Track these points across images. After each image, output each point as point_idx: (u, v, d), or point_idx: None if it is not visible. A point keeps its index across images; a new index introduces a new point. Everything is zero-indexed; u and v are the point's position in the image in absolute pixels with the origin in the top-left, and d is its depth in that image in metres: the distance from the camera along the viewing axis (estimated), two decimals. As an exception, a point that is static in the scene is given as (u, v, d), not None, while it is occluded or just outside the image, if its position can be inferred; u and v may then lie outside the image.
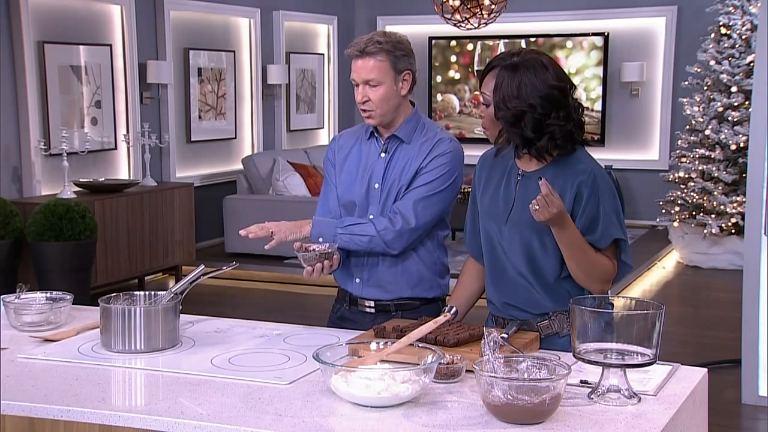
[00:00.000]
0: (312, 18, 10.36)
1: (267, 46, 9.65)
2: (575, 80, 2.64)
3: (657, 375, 2.26)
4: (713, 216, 8.40)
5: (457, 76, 10.87)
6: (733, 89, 8.35)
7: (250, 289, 7.76)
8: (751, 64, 7.98)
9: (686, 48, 9.63)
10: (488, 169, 2.73)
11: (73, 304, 2.84)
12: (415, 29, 10.75)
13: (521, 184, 2.61)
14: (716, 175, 8.36)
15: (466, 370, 2.24)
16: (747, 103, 8.17)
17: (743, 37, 8.39)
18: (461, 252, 2.94)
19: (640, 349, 2.10)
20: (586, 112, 2.64)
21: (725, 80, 8.37)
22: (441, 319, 2.43)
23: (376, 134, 2.97)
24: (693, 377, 2.30)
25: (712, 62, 8.47)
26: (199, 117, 8.84)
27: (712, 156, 8.44)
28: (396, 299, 2.95)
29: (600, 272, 2.56)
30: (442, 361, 2.16)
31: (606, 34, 10.15)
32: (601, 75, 10.20)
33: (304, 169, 8.83)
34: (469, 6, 7.82)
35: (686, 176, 8.64)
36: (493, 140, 2.68)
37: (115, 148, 7.82)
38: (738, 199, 8.19)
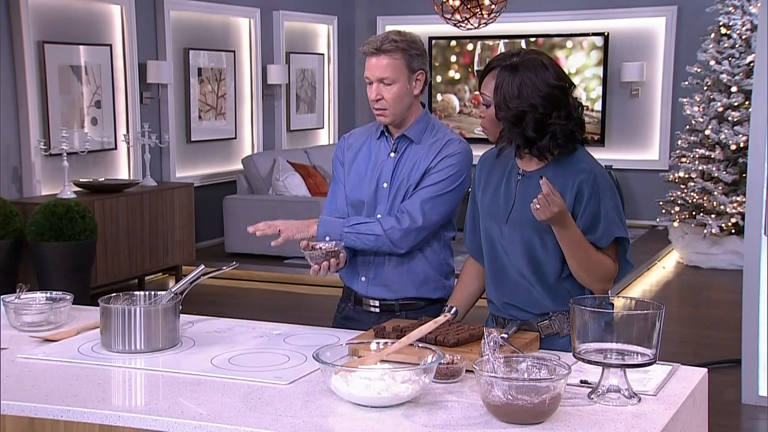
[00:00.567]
0: (312, 18, 10.36)
1: (267, 46, 9.65)
2: (575, 80, 2.64)
3: (657, 375, 2.26)
4: (713, 216, 8.40)
5: (457, 76, 10.87)
6: (733, 89, 8.35)
7: (250, 289, 7.76)
8: (751, 64, 7.99)
9: (686, 48, 9.63)
10: (488, 168, 2.73)
11: (73, 304, 2.84)
12: (415, 29, 10.63)
13: (521, 184, 2.62)
14: (716, 175, 8.36)
15: (466, 370, 2.24)
16: (747, 103, 8.17)
17: (743, 37, 8.39)
18: (462, 252, 2.94)
19: (640, 349, 2.10)
20: (586, 112, 2.65)
21: (725, 80, 8.37)
22: (441, 319, 2.43)
23: (386, 133, 2.98)
24: (693, 377, 2.30)
25: (712, 62, 8.47)
26: (199, 117, 8.84)
27: (712, 156, 8.44)
28: (401, 299, 2.95)
29: (601, 271, 2.56)
30: (442, 361, 2.16)
31: (606, 34, 10.15)
32: (601, 75, 10.20)
33: (304, 169, 8.84)
34: (469, 6, 7.82)
35: (686, 176, 8.65)
36: (494, 140, 2.68)
37: (115, 148, 7.83)
38: (738, 199, 8.19)
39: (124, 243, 7.09)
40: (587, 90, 10.16)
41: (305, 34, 10.37)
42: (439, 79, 10.93)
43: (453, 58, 10.86)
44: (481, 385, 1.99)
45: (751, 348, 4.90)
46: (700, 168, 8.51)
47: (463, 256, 2.92)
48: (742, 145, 8.15)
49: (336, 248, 2.79)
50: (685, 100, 8.78)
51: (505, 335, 2.42)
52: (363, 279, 2.98)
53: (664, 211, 8.89)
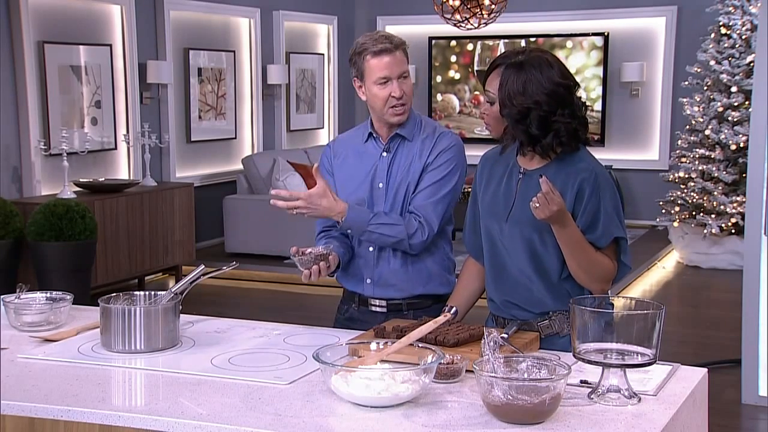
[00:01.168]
0: (312, 18, 10.36)
1: (267, 46, 9.65)
2: (575, 80, 2.65)
3: (657, 375, 2.26)
4: (713, 216, 8.40)
5: (457, 76, 10.86)
6: (733, 89, 8.35)
7: (250, 289, 7.76)
8: (751, 64, 7.99)
9: (686, 48, 9.63)
10: (490, 167, 2.73)
11: (73, 304, 2.84)
12: (415, 29, 10.75)
13: (522, 182, 2.62)
14: (716, 175, 8.36)
15: (466, 370, 2.24)
16: (747, 103, 8.17)
17: (743, 37, 8.39)
18: (461, 252, 2.94)
19: (640, 349, 2.09)
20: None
21: (725, 80, 8.37)
22: (441, 319, 2.43)
23: (374, 134, 2.97)
24: (693, 377, 2.30)
25: (712, 62, 8.47)
26: (199, 117, 8.84)
27: (712, 156, 8.44)
28: (408, 297, 2.95)
29: (600, 271, 2.56)
30: (442, 361, 2.16)
31: (606, 34, 10.15)
32: (601, 75, 10.20)
33: (304, 169, 8.83)
34: (469, 6, 7.82)
35: (686, 176, 8.64)
36: (498, 137, 2.69)
37: (115, 148, 7.83)
38: (738, 199, 8.19)
39: (124, 243, 7.09)
40: (587, 90, 10.16)
41: (305, 34, 10.37)
42: (439, 79, 10.93)
43: (453, 58, 10.86)
44: (481, 385, 1.99)
45: (751, 348, 4.90)
46: (700, 168, 8.51)
47: (463, 256, 2.92)
48: (742, 145, 8.15)
49: (325, 251, 2.78)
50: (685, 100, 8.78)
51: (505, 335, 2.42)
52: (368, 281, 2.97)
53: (664, 211, 8.89)
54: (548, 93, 2.51)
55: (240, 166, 9.03)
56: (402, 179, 2.91)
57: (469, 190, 2.88)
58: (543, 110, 2.51)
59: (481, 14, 7.83)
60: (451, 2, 7.86)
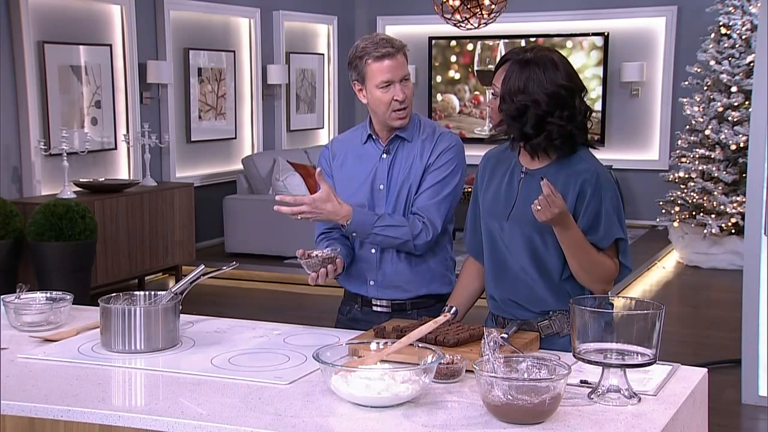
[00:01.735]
0: (312, 18, 10.36)
1: (267, 46, 9.65)
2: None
3: (657, 375, 2.26)
4: (713, 216, 8.40)
5: (457, 76, 10.86)
6: (733, 89, 8.35)
7: (250, 289, 7.76)
8: (751, 64, 7.99)
9: (686, 48, 9.63)
10: (492, 166, 2.74)
11: (73, 304, 2.84)
12: (415, 29, 10.75)
13: (524, 182, 2.62)
14: (716, 175, 8.36)
15: (466, 370, 2.24)
16: (747, 103, 8.17)
17: (743, 37, 8.39)
18: (461, 252, 2.94)
19: (640, 349, 2.10)
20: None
21: (725, 80, 8.37)
22: (441, 319, 2.43)
23: (374, 136, 2.97)
24: (693, 377, 2.30)
25: (712, 62, 8.47)
26: (199, 117, 8.84)
27: (712, 156, 8.44)
28: (413, 298, 2.95)
29: (602, 272, 2.56)
30: (442, 361, 2.16)
31: (606, 34, 10.15)
32: (601, 75, 10.20)
33: (304, 169, 8.83)
34: (469, 6, 7.82)
35: (686, 176, 8.64)
36: (492, 127, 2.69)
37: (115, 148, 7.83)
38: (738, 199, 8.19)
39: (124, 243, 7.10)
40: (587, 90, 10.15)
41: (305, 34, 10.37)
42: (439, 79, 10.93)
43: (453, 58, 10.85)
44: (481, 385, 1.99)
45: (751, 348, 4.90)
46: (700, 168, 8.51)
47: (463, 256, 2.92)
48: (742, 145, 8.15)
49: (332, 255, 2.78)
50: (685, 100, 8.78)
51: (505, 335, 2.41)
52: (372, 283, 2.96)
53: (664, 211, 8.89)
54: (548, 93, 2.51)
55: (240, 166, 9.03)
56: (403, 181, 2.90)
57: (469, 190, 2.88)
58: (541, 110, 2.51)
59: (481, 14, 7.83)
60: (451, 2, 7.86)
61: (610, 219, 2.55)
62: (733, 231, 8.35)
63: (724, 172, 8.35)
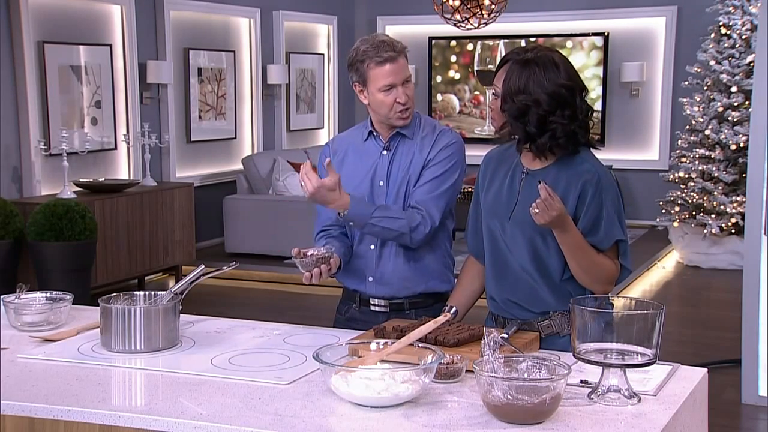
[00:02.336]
0: (312, 18, 10.36)
1: (267, 46, 9.65)
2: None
3: (657, 375, 2.26)
4: (713, 216, 8.40)
5: (457, 76, 10.86)
6: (733, 89, 8.35)
7: (250, 289, 7.76)
8: (751, 64, 7.99)
9: (686, 48, 9.63)
10: (493, 166, 2.74)
11: (73, 304, 2.84)
12: (415, 29, 10.75)
13: (525, 182, 2.61)
14: (716, 175, 8.36)
15: (466, 370, 2.24)
16: (747, 103, 8.17)
17: (743, 37, 8.39)
18: (461, 252, 2.94)
19: (640, 349, 2.10)
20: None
21: (725, 80, 8.37)
22: (441, 319, 2.43)
23: (374, 133, 2.98)
24: (693, 377, 2.30)
25: (712, 62, 8.47)
26: (199, 117, 8.84)
27: (712, 156, 8.44)
28: (410, 296, 2.94)
29: (602, 273, 2.56)
30: (442, 361, 2.16)
31: (606, 34, 10.15)
32: (601, 75, 10.20)
33: (304, 169, 8.82)
34: (469, 6, 7.82)
35: (686, 176, 8.64)
36: (496, 130, 2.69)
37: (115, 148, 7.83)
38: (738, 199, 8.19)
39: (124, 243, 7.10)
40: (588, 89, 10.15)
41: (305, 34, 10.37)
42: (439, 79, 10.93)
43: (453, 58, 10.85)
44: (481, 385, 1.99)
45: (751, 348, 4.90)
46: (700, 168, 8.51)
47: (463, 256, 2.92)
48: (742, 145, 8.15)
49: (327, 254, 2.77)
50: (685, 100, 8.78)
51: (505, 335, 2.41)
52: (370, 279, 2.96)
53: (664, 211, 8.89)
54: (549, 93, 2.51)
55: (240, 166, 9.03)
56: (403, 177, 2.91)
57: (469, 189, 2.88)
58: (542, 110, 2.51)
59: (481, 14, 7.84)
60: (451, 2, 7.86)
61: (611, 220, 2.55)
62: (733, 231, 8.35)
63: (724, 172, 8.35)
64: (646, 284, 7.95)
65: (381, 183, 2.93)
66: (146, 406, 2.17)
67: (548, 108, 2.51)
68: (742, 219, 7.62)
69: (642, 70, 10.04)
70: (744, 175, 7.70)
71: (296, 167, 8.81)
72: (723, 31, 8.55)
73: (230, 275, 7.03)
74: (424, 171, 2.90)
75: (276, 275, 7.88)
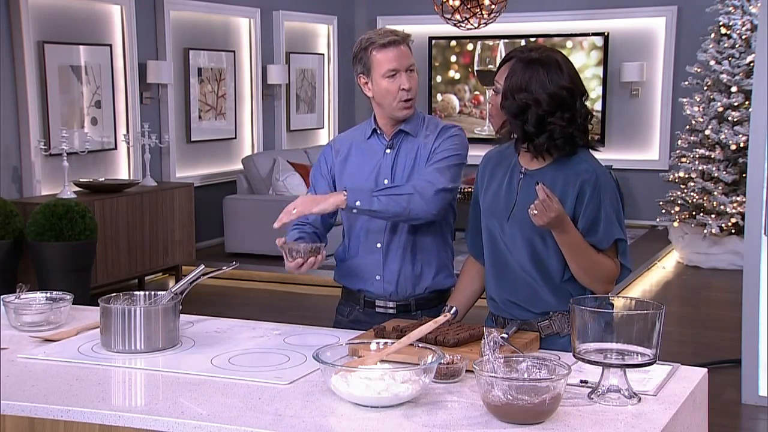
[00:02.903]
0: (312, 18, 10.36)
1: (267, 46, 9.65)
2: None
3: (657, 375, 2.26)
4: (713, 216, 8.40)
5: (457, 76, 10.86)
6: (733, 89, 8.35)
7: (250, 289, 7.76)
8: (751, 64, 7.99)
9: (686, 48, 9.63)
10: (492, 167, 2.73)
11: (73, 304, 2.84)
12: (415, 29, 10.74)
13: (524, 182, 2.61)
14: (716, 175, 8.36)
15: (466, 370, 2.24)
16: (747, 103, 8.17)
17: (743, 37, 8.39)
18: (461, 252, 2.94)
19: (640, 349, 2.09)
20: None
21: (725, 80, 8.37)
22: (441, 319, 2.43)
23: (378, 131, 2.97)
24: (693, 377, 2.30)
25: (712, 62, 8.48)
26: (199, 117, 8.84)
27: (712, 156, 8.44)
28: (418, 295, 2.93)
29: (602, 273, 2.56)
30: (442, 361, 2.16)
31: (606, 34, 10.15)
32: (601, 75, 10.20)
33: (304, 169, 8.84)
34: (469, 6, 7.82)
35: (686, 176, 8.65)
36: (496, 129, 2.69)
37: (115, 148, 7.83)
38: (738, 199, 8.19)
39: (124, 243, 7.10)
40: (587, 90, 10.15)
41: (305, 34, 10.37)
42: (439, 79, 10.93)
43: (453, 58, 10.86)
44: (481, 385, 1.99)
45: (751, 348, 4.90)
46: (700, 168, 8.51)
47: (463, 257, 2.92)
48: (742, 145, 8.15)
49: (317, 245, 2.73)
50: (685, 100, 8.78)
51: (505, 335, 2.41)
52: (378, 278, 2.95)
53: (664, 211, 8.89)
54: (550, 94, 2.51)
55: (240, 166, 9.03)
56: (409, 174, 2.90)
57: (469, 189, 2.88)
58: (542, 109, 2.51)
59: (481, 14, 7.84)
60: (451, 2, 7.86)
61: (610, 220, 2.55)
62: (733, 231, 8.35)
63: (724, 172, 8.35)
64: (646, 284, 7.95)
65: (385, 181, 2.92)
66: (146, 406, 2.17)
67: (548, 108, 2.51)
68: (742, 219, 7.62)
69: (642, 70, 10.04)
70: (744, 175, 7.70)
71: (296, 167, 8.82)
72: (723, 31, 8.55)
73: (230, 275, 7.03)
74: (430, 158, 2.88)
75: (276, 275, 7.87)
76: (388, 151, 2.94)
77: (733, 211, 8.24)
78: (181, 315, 2.62)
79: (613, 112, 10.27)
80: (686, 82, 8.90)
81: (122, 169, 7.92)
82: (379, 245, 2.93)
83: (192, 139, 8.75)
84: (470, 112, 10.79)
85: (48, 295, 2.87)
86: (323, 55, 10.66)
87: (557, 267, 2.59)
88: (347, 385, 2.07)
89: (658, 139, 10.14)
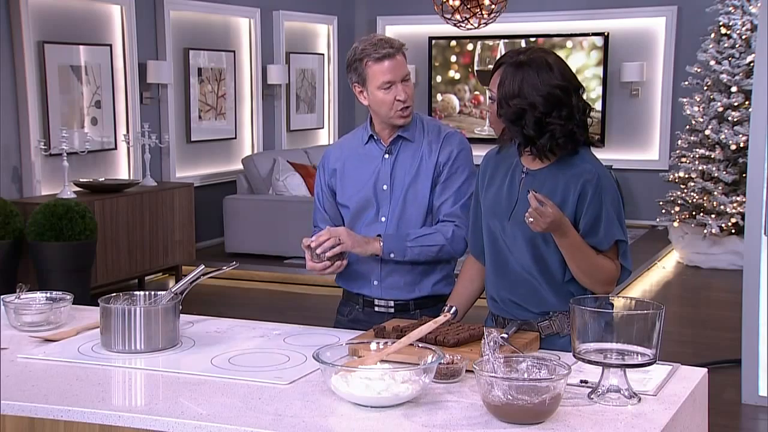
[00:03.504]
0: (312, 18, 10.37)
1: (267, 46, 9.65)
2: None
3: (657, 375, 2.26)
4: (713, 216, 8.40)
5: (457, 76, 10.86)
6: (733, 89, 8.35)
7: (250, 289, 7.76)
8: (751, 64, 7.98)
9: (686, 48, 9.63)
10: (492, 166, 2.73)
11: (73, 304, 2.84)
12: (415, 29, 10.75)
13: (525, 182, 2.61)
14: (716, 175, 8.36)
15: (466, 370, 2.24)
16: (747, 103, 8.17)
17: (743, 37, 8.39)
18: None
19: (640, 349, 2.09)
20: (585, 112, 2.64)
21: (725, 80, 8.37)
22: (441, 319, 2.43)
23: (375, 137, 2.97)
24: (693, 377, 2.30)
25: (712, 62, 8.47)
26: (199, 117, 8.84)
27: (712, 156, 8.44)
28: (416, 298, 2.94)
29: (603, 274, 2.55)
30: (442, 361, 2.16)
31: (606, 34, 10.15)
32: (601, 75, 10.20)
33: (304, 169, 8.84)
34: (469, 6, 7.82)
35: (686, 176, 8.64)
36: (497, 136, 2.69)
37: (115, 148, 7.83)
38: (738, 199, 8.19)
39: (124, 243, 7.09)
40: (587, 90, 10.16)
41: (305, 34, 10.37)
42: (439, 79, 10.93)
43: (453, 58, 10.85)
44: (481, 385, 1.99)
45: (751, 348, 4.90)
46: (700, 168, 8.51)
47: (463, 257, 2.92)
48: (742, 145, 8.15)
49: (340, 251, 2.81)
50: (685, 100, 8.78)
51: (505, 335, 2.41)
52: (375, 283, 2.96)
53: (664, 211, 8.89)
54: (543, 95, 2.50)
55: (240, 166, 9.03)
56: (411, 181, 2.90)
57: (469, 190, 2.88)
58: (538, 112, 2.50)
59: (481, 14, 7.83)
60: (451, 2, 7.86)
61: (611, 221, 2.55)
62: (733, 231, 8.35)
63: (724, 172, 8.35)
64: (646, 284, 7.95)
65: (384, 187, 2.92)
66: (146, 406, 2.17)
67: (544, 110, 2.50)
68: (742, 219, 7.62)
69: (642, 70, 10.04)
70: (744, 175, 7.70)
71: (296, 167, 8.82)
72: (723, 31, 8.55)
73: (230, 275, 7.03)
74: (444, 182, 2.89)
75: (276, 275, 7.88)
76: (386, 156, 2.94)
77: (733, 211, 8.24)
78: (181, 315, 2.62)
79: (613, 112, 10.27)
80: (686, 82, 8.90)
81: (122, 169, 7.92)
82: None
83: (192, 139, 8.75)
84: (470, 112, 10.79)
85: (48, 295, 2.87)
86: (323, 55, 10.66)
87: (559, 267, 2.58)
88: (347, 385, 2.07)
89: (658, 139, 10.14)
